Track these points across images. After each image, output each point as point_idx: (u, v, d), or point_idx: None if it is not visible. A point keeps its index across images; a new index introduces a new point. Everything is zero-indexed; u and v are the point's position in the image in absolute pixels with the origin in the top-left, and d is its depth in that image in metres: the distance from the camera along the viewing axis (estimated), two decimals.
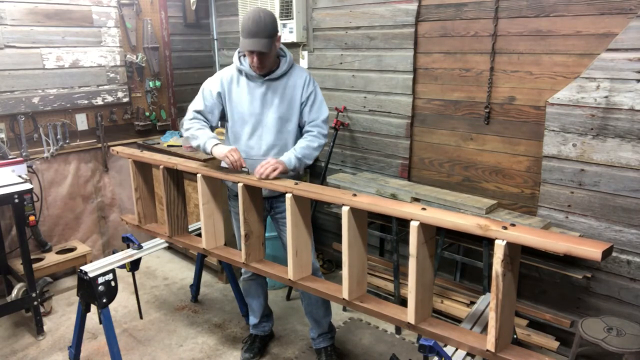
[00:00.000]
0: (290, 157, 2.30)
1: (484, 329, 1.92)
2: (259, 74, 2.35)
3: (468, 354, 1.78)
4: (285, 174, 2.28)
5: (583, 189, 2.55)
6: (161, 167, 2.60)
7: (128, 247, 2.77)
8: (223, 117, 2.50)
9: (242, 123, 2.42)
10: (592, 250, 1.43)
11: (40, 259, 3.51)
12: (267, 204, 2.52)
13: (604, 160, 2.45)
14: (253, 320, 2.86)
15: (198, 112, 2.43)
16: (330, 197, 2.03)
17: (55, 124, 3.64)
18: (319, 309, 2.65)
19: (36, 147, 3.59)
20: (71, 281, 3.72)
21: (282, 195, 2.19)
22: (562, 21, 2.47)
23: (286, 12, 3.56)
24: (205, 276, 3.70)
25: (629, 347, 2.11)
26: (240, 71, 2.41)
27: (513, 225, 1.59)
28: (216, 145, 2.29)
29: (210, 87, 2.44)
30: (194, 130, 2.38)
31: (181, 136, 4.03)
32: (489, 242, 2.62)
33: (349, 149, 3.59)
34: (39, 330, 3.06)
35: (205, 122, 2.44)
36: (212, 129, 2.46)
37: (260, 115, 2.40)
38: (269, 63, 2.31)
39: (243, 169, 2.31)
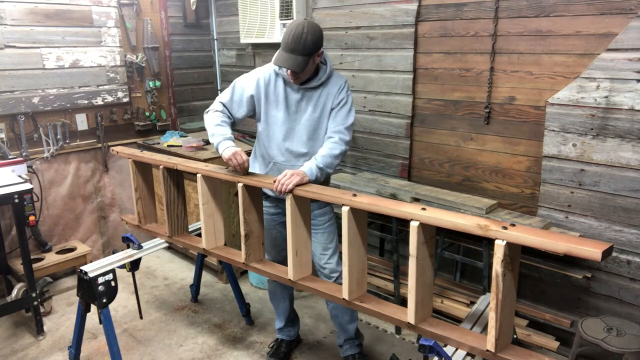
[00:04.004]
0: (311, 168, 2.22)
1: (484, 329, 1.92)
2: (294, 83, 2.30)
3: (468, 354, 1.78)
4: (304, 184, 2.17)
5: (583, 189, 2.55)
6: (161, 167, 2.60)
7: (128, 247, 2.77)
8: (252, 116, 2.45)
9: (276, 126, 2.37)
10: (592, 250, 1.44)
11: (40, 259, 3.51)
12: (282, 204, 2.47)
13: (604, 160, 2.45)
14: (278, 324, 2.84)
15: (224, 104, 2.38)
16: (330, 197, 2.03)
17: (55, 124, 3.64)
18: (345, 314, 2.61)
19: (36, 147, 3.59)
20: (71, 281, 3.72)
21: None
22: (562, 21, 2.47)
23: (286, 12, 3.56)
24: (205, 276, 3.70)
25: (629, 347, 2.11)
26: (277, 74, 2.36)
27: (513, 225, 1.59)
28: (227, 149, 2.24)
29: (243, 86, 2.37)
30: (213, 126, 2.32)
31: (181, 136, 4.04)
32: (489, 242, 2.61)
33: (349, 149, 3.58)
34: (39, 330, 3.06)
35: (229, 116, 2.39)
36: (234, 124, 2.41)
37: (293, 122, 2.36)
38: (304, 76, 2.26)
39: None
